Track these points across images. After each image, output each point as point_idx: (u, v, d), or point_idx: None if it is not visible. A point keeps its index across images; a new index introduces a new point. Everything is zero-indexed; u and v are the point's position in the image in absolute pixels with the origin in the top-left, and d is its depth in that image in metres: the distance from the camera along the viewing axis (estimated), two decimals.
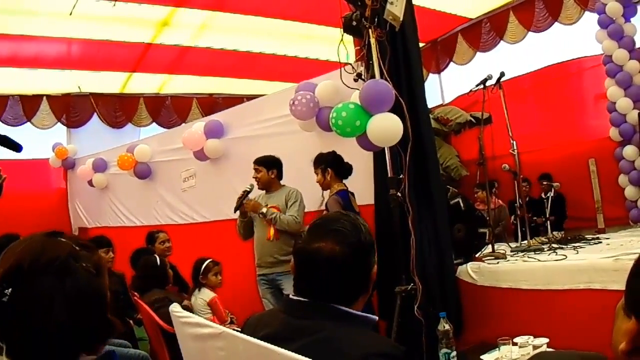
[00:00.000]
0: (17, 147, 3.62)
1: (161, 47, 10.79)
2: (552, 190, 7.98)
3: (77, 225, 12.43)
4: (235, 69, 12.28)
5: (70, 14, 8.95)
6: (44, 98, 12.21)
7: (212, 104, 13.47)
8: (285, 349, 1.85)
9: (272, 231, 6.28)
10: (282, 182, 6.62)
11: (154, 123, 13.40)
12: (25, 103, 12.00)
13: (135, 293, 6.22)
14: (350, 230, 2.12)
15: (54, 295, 1.53)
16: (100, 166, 11.11)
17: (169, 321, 2.79)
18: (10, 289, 1.51)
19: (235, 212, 6.54)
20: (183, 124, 12.34)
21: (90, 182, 11.30)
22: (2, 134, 3.75)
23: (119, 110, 13.07)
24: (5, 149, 3.44)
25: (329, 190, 6.18)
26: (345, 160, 6.21)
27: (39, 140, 12.03)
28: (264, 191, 6.58)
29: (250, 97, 10.46)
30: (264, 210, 6.26)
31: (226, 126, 8.38)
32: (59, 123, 12.52)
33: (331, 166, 6.12)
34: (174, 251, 7.69)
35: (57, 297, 1.53)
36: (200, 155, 8.49)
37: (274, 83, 12.24)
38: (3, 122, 11.50)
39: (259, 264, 6.49)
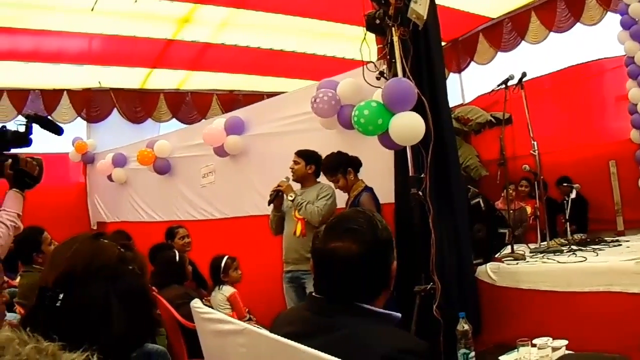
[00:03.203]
0: (58, 131, 3.66)
1: (182, 43, 10.80)
2: (574, 192, 7.90)
3: (96, 220, 12.54)
4: (256, 66, 12.26)
5: (92, 9, 8.97)
6: (65, 93, 12.28)
7: (232, 100, 13.45)
8: (308, 346, 1.85)
9: (299, 227, 6.27)
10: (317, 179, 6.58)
11: (174, 119, 13.43)
12: (46, 97, 12.08)
13: (154, 288, 6.24)
14: (366, 228, 2.12)
15: (109, 297, 1.58)
16: (119, 161, 11.20)
17: (190, 318, 2.80)
18: (62, 294, 1.56)
19: (269, 205, 6.53)
20: (203, 120, 12.37)
21: (109, 177, 11.39)
22: (46, 116, 3.81)
23: (139, 105, 13.10)
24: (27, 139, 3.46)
25: (350, 191, 6.17)
26: (365, 159, 6.22)
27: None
28: (300, 185, 6.54)
29: (271, 94, 10.51)
30: (293, 195, 6.25)
31: (247, 123, 8.39)
32: (79, 118, 12.59)
33: (350, 165, 6.11)
34: (193, 247, 7.71)
35: (113, 300, 1.57)
36: (220, 151, 8.51)
37: (294, 80, 12.23)
38: (24, 116, 11.52)
39: (286, 260, 6.48)
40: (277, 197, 6.43)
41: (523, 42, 11.00)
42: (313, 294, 2.21)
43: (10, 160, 3.36)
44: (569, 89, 9.93)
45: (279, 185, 6.38)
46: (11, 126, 3.43)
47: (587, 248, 6.27)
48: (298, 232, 6.28)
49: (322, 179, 6.53)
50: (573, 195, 7.83)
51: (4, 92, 11.60)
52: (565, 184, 8.45)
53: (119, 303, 1.59)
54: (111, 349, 1.50)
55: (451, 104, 6.56)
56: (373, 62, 5.90)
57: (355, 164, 6.17)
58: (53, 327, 1.47)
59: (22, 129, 3.40)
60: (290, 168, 6.46)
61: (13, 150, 3.43)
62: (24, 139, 3.40)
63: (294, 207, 6.27)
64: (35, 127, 3.47)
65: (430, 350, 1.98)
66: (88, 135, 12.82)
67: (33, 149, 3.56)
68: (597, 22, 9.78)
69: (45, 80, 11.73)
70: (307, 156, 6.47)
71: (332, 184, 6.36)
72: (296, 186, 6.49)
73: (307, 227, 6.20)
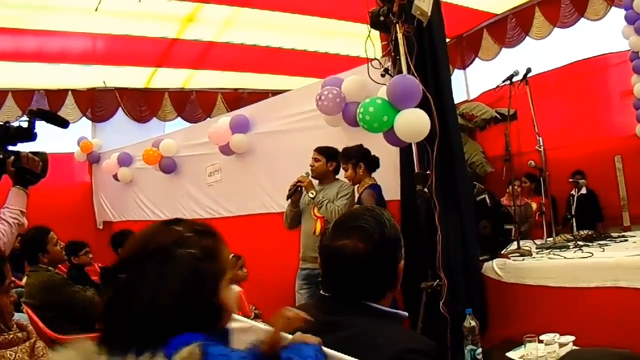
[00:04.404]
0: (64, 123, 3.68)
1: (186, 42, 10.85)
2: (582, 188, 7.87)
3: (102, 219, 12.57)
4: (260, 64, 12.29)
5: (96, 9, 9.01)
6: (69, 92, 12.37)
7: (237, 98, 13.48)
8: None
9: (318, 225, 6.24)
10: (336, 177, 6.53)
11: (179, 118, 13.50)
12: (51, 97, 12.16)
13: None
14: (374, 226, 2.11)
15: (156, 280, 1.60)
16: (125, 160, 11.22)
17: None
18: (121, 275, 1.65)
19: (288, 199, 6.49)
20: (208, 119, 12.41)
21: (115, 176, 11.41)
22: (50, 110, 3.82)
23: (143, 104, 13.18)
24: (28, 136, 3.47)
25: (358, 185, 6.15)
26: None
27: (64, 135, 12.08)
28: (317, 182, 6.48)
29: (276, 92, 10.47)
30: (314, 192, 6.21)
31: (252, 121, 8.37)
32: (84, 117, 12.66)
33: (363, 160, 6.08)
34: None
35: (160, 282, 1.60)
36: (226, 149, 8.50)
37: (299, 78, 12.27)
38: (29, 116, 11.56)
39: (303, 258, 6.45)
40: (296, 192, 6.40)
41: (527, 37, 11.02)
42: (321, 292, 2.21)
43: (12, 157, 3.37)
44: (574, 85, 9.93)
45: (299, 181, 6.33)
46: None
47: (593, 244, 6.25)
48: (317, 231, 6.26)
49: (340, 175, 6.49)
50: (584, 191, 7.82)
51: (8, 92, 11.67)
52: (571, 180, 8.44)
53: (166, 286, 1.60)
54: (156, 332, 1.52)
55: (456, 101, 6.54)
56: (377, 59, 5.87)
57: (370, 161, 6.14)
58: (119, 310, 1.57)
59: (25, 124, 3.41)
60: (311, 165, 6.41)
61: (19, 146, 3.44)
62: (27, 133, 3.40)
63: (314, 204, 6.25)
64: (42, 123, 3.48)
65: (438, 350, 1.97)
66: (93, 135, 12.88)
67: (38, 148, 3.56)
68: (601, 17, 9.78)
69: (49, 80, 11.80)
70: (328, 153, 6.43)
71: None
72: (314, 182, 6.46)
73: (326, 225, 6.15)
